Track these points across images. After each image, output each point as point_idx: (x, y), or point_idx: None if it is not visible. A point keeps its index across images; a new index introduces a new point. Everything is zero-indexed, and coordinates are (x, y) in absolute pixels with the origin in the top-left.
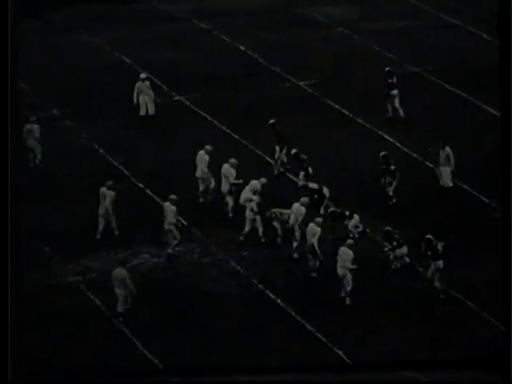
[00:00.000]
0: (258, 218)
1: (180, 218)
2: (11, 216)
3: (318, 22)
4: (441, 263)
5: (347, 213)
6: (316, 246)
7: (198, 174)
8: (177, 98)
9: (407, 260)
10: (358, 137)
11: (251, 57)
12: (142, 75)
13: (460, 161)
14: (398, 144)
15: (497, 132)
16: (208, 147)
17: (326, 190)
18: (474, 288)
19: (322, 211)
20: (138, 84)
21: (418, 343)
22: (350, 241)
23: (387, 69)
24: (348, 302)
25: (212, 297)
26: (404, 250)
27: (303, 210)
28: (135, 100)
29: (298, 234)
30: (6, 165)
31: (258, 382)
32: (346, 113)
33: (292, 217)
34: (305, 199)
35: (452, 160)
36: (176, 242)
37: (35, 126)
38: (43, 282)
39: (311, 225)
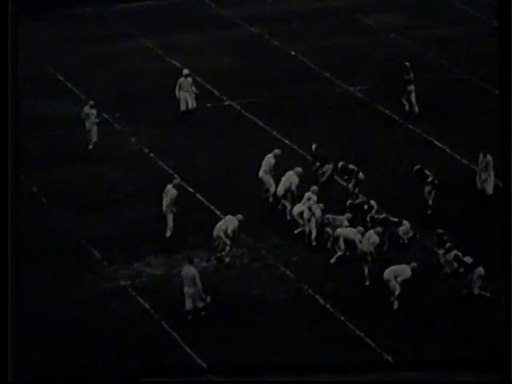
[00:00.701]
0: (313, 219)
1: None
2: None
3: (369, 28)
4: (481, 270)
5: (396, 220)
6: (369, 254)
7: (260, 174)
8: (227, 102)
9: (456, 265)
10: (409, 142)
11: (302, 62)
12: (185, 71)
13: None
14: (448, 150)
15: None
16: (277, 151)
17: (372, 203)
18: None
19: (368, 220)
20: (180, 80)
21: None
22: (413, 264)
23: (405, 64)
24: (396, 306)
25: (261, 302)
26: (451, 254)
27: (296, 179)
28: (177, 95)
29: (341, 242)
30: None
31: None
32: (397, 118)
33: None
34: (298, 169)
35: (491, 169)
36: (171, 228)
37: (92, 111)
38: (93, 286)
39: (370, 232)
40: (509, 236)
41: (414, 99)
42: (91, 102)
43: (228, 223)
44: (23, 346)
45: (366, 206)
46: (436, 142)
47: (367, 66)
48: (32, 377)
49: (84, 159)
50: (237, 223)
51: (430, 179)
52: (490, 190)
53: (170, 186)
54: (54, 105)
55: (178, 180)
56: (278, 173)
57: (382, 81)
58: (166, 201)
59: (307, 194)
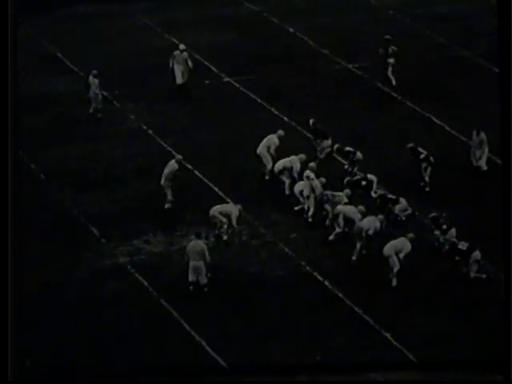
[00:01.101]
0: (312, 196)
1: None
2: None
3: (368, 5)
4: (477, 254)
5: (393, 197)
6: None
7: (258, 150)
8: (226, 79)
9: (455, 241)
10: (407, 120)
11: (301, 39)
12: (181, 46)
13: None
14: (447, 127)
15: None
16: (281, 132)
17: (371, 176)
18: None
19: (373, 195)
20: (175, 53)
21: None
22: (410, 235)
23: (386, 37)
24: (394, 283)
25: (260, 279)
26: (452, 232)
27: (298, 165)
28: (171, 66)
29: (341, 219)
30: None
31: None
32: (395, 95)
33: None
34: (302, 156)
35: (485, 146)
36: (170, 200)
37: (95, 80)
38: (92, 264)
39: (373, 218)
40: (509, 237)
41: (390, 72)
42: (94, 72)
43: (227, 209)
44: (23, 345)
45: (363, 182)
46: (434, 119)
47: (366, 44)
48: (32, 377)
49: (83, 136)
50: (237, 212)
51: (423, 156)
52: (484, 165)
53: (172, 161)
54: (53, 82)
55: (180, 156)
56: (278, 152)
57: (380, 58)
58: (165, 173)
59: (306, 172)
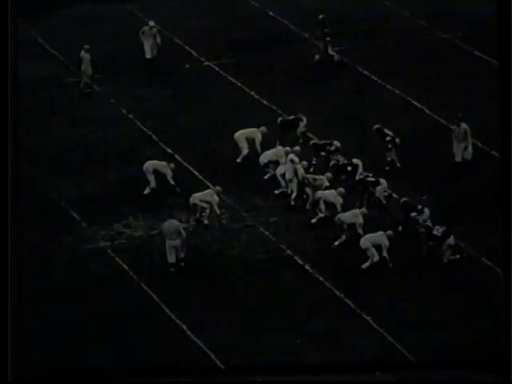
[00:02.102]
0: (295, 180)
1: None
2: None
3: None
4: (451, 240)
5: (373, 179)
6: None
7: (236, 135)
8: (206, 63)
9: (430, 225)
10: (387, 103)
11: (281, 22)
12: (150, 23)
13: (490, 127)
14: (427, 110)
15: None
16: (263, 128)
17: (356, 161)
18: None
19: (357, 179)
20: (144, 28)
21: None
22: (389, 232)
23: (321, 16)
24: (365, 266)
25: (240, 262)
26: (427, 212)
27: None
28: (141, 41)
29: (322, 204)
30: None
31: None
32: (375, 79)
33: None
34: (297, 148)
35: (469, 136)
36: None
37: (86, 55)
38: (73, 248)
39: (357, 211)
40: (509, 237)
41: (331, 50)
42: (86, 46)
43: (207, 197)
44: (23, 345)
45: (349, 168)
46: (415, 103)
47: (346, 27)
48: (32, 377)
49: (63, 121)
50: (217, 199)
51: (388, 138)
52: (469, 156)
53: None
54: (33, 66)
55: (173, 165)
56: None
57: (360, 41)
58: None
59: (290, 156)
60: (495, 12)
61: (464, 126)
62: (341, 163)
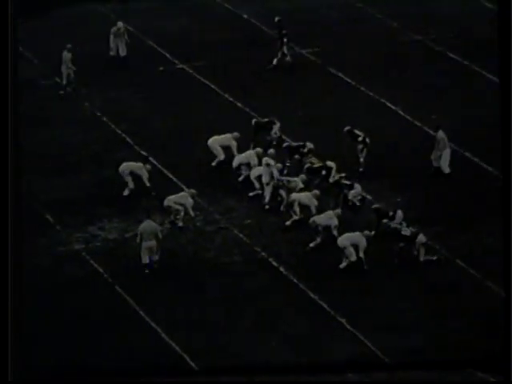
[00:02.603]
0: (271, 183)
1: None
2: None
3: None
4: (422, 238)
5: (348, 182)
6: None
7: (209, 142)
8: (180, 66)
9: (398, 227)
10: (361, 105)
11: (254, 24)
12: (119, 24)
13: (463, 128)
14: (401, 112)
15: (497, 99)
16: (236, 134)
17: (330, 163)
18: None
19: (331, 181)
20: (113, 29)
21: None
22: (367, 232)
23: (277, 19)
24: (342, 266)
25: (215, 265)
26: (400, 215)
27: (256, 160)
28: (111, 43)
29: (296, 207)
30: (6, 137)
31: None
32: (349, 81)
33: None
34: (259, 149)
35: (443, 145)
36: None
37: (68, 55)
38: (47, 251)
39: (331, 213)
40: (509, 237)
41: (286, 50)
42: (69, 46)
43: (181, 199)
44: (23, 345)
45: (323, 171)
46: (389, 104)
47: (319, 29)
48: (32, 377)
49: (37, 123)
50: (192, 202)
51: (360, 138)
52: (445, 168)
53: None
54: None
55: (149, 166)
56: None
57: (333, 43)
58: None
59: (265, 159)
60: (467, 13)
61: (440, 134)
62: (315, 166)
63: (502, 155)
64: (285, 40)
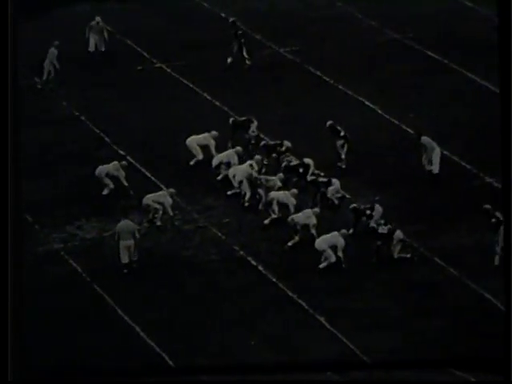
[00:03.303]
0: (245, 181)
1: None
2: None
3: None
4: (399, 234)
5: (325, 179)
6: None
7: (188, 141)
8: (158, 65)
9: (375, 226)
10: (339, 103)
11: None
12: (97, 18)
13: (441, 126)
14: (379, 111)
15: (477, 97)
16: (215, 133)
17: (307, 161)
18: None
19: (309, 179)
20: (91, 23)
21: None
22: (343, 230)
23: (231, 19)
24: (322, 266)
25: (193, 264)
26: (379, 210)
27: (236, 158)
28: (87, 36)
29: (275, 205)
30: None
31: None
32: (328, 79)
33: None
34: (239, 148)
35: (430, 150)
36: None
37: (55, 51)
38: (26, 250)
39: (309, 211)
40: (509, 238)
41: (245, 52)
42: (56, 42)
43: (160, 198)
44: (23, 345)
45: (301, 169)
46: (367, 103)
47: (297, 28)
48: (32, 377)
49: (15, 122)
50: (171, 201)
51: (342, 134)
52: (436, 168)
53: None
54: None
55: (125, 163)
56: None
57: (312, 42)
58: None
59: (250, 163)
60: (445, 11)
61: (424, 140)
62: (292, 164)
63: (501, 155)
64: (242, 41)
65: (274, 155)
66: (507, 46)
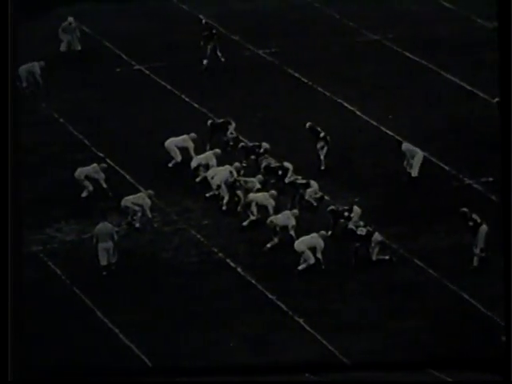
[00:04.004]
0: (223, 185)
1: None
2: None
3: None
4: (377, 237)
5: (304, 181)
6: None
7: (166, 143)
8: (137, 67)
9: (353, 228)
10: (318, 105)
11: (211, 25)
12: (70, 19)
13: (420, 128)
14: (358, 112)
15: (455, 98)
16: (193, 135)
17: (287, 164)
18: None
19: (287, 181)
20: (64, 24)
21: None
22: (323, 232)
23: (204, 21)
24: (301, 267)
25: (173, 265)
26: (357, 210)
27: (214, 160)
28: (60, 37)
29: (254, 207)
30: None
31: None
32: (306, 81)
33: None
34: (217, 150)
35: (409, 156)
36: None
37: (37, 68)
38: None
39: (288, 213)
40: (509, 238)
41: (219, 52)
42: (42, 63)
43: (139, 200)
44: (23, 345)
45: (280, 172)
46: (346, 104)
47: (276, 29)
48: (32, 377)
49: (14, 123)
50: (150, 202)
51: (322, 135)
52: (415, 171)
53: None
54: None
55: (104, 165)
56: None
57: (291, 43)
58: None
59: (229, 167)
60: (425, 12)
61: (404, 147)
62: (272, 166)
63: (502, 155)
64: (215, 38)
65: (252, 157)
66: (507, 45)
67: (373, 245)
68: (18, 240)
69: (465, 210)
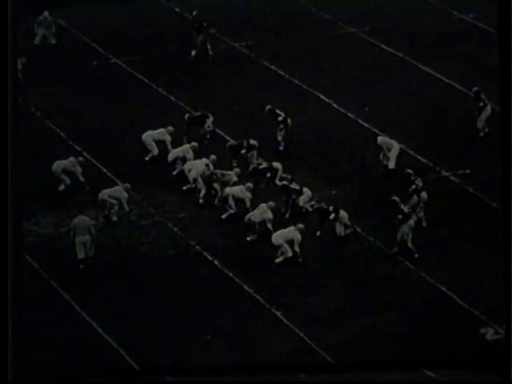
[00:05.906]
0: (200, 178)
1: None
2: None
3: None
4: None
5: (297, 187)
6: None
7: (143, 137)
8: (113, 60)
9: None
10: (295, 97)
11: (187, 18)
12: (45, 13)
13: (397, 120)
14: (335, 105)
15: (432, 90)
16: (170, 128)
17: (276, 164)
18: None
19: (278, 183)
20: (39, 18)
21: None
22: (300, 225)
23: (194, 12)
24: (278, 260)
25: (150, 259)
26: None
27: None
28: (36, 31)
29: (231, 201)
30: None
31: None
32: (283, 74)
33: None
34: (194, 144)
35: (387, 146)
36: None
37: (21, 61)
38: None
39: (264, 206)
40: (509, 238)
41: (209, 45)
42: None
43: (116, 193)
44: (23, 345)
45: (268, 174)
46: (322, 97)
47: (253, 22)
48: (32, 377)
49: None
50: (127, 195)
51: (280, 118)
52: (391, 163)
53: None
54: None
55: (81, 158)
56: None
57: (268, 36)
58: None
59: (205, 160)
60: (401, 5)
61: (380, 140)
62: (260, 168)
63: (502, 156)
64: (205, 31)
65: (242, 151)
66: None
67: (339, 222)
68: (17, 238)
69: (396, 198)
